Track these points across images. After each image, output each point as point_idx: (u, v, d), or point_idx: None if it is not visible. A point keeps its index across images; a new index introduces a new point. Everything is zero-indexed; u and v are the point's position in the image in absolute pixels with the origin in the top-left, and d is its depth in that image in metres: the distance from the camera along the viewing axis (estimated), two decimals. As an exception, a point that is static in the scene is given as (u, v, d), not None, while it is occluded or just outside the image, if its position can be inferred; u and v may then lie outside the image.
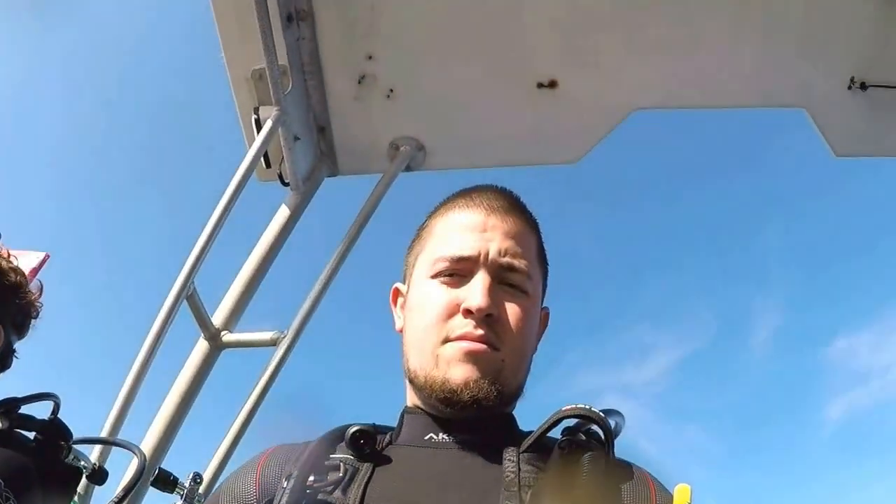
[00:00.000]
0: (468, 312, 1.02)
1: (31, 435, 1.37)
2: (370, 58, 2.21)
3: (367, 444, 1.02)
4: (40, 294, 1.56)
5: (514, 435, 1.05)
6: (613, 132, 2.37)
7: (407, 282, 1.18)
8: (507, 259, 1.07)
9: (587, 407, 0.96)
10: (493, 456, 0.99)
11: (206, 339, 2.11)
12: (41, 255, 1.73)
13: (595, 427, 0.96)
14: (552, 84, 2.30)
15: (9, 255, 1.51)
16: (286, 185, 2.26)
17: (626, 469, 1.02)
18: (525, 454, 0.98)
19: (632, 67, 2.29)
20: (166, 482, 1.58)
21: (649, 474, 1.04)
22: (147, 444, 1.98)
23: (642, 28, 2.22)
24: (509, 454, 0.98)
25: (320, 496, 0.96)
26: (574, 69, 2.29)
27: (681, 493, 0.92)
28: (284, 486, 0.98)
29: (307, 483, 0.98)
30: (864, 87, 2.18)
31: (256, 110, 2.08)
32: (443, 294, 1.06)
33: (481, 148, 2.41)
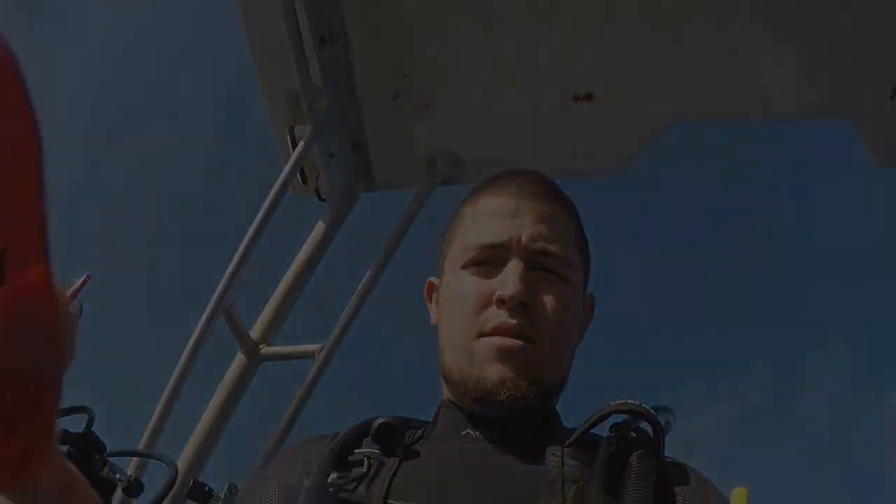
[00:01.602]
0: (501, 302, 0.97)
1: (65, 448, 1.38)
2: (405, 75, 2.22)
3: (395, 438, 0.97)
4: (79, 316, 1.61)
5: (556, 431, 1.00)
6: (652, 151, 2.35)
7: (440, 274, 1.14)
8: (541, 244, 1.02)
9: (636, 402, 0.90)
10: (534, 451, 0.94)
11: (243, 352, 2.16)
12: (81, 277, 1.79)
13: (645, 425, 0.91)
14: (588, 97, 2.28)
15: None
16: (323, 200, 2.30)
17: (679, 469, 0.97)
18: (568, 449, 0.93)
19: (669, 78, 2.24)
20: (201, 494, 1.60)
21: (705, 476, 0.99)
22: (185, 457, 2.04)
23: (679, 38, 2.18)
24: (552, 450, 0.93)
25: (342, 494, 0.92)
26: (610, 81, 2.26)
27: (738, 497, 0.88)
28: (306, 484, 0.94)
29: (328, 481, 0.93)
30: None
31: (291, 129, 2.11)
32: (474, 285, 1.01)
33: (518, 160, 2.37)
